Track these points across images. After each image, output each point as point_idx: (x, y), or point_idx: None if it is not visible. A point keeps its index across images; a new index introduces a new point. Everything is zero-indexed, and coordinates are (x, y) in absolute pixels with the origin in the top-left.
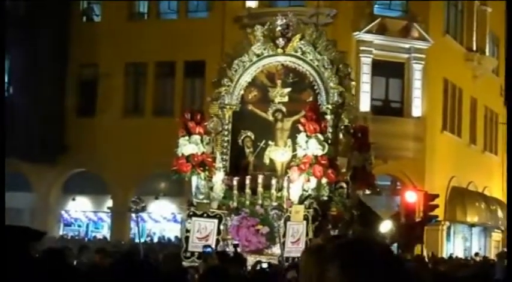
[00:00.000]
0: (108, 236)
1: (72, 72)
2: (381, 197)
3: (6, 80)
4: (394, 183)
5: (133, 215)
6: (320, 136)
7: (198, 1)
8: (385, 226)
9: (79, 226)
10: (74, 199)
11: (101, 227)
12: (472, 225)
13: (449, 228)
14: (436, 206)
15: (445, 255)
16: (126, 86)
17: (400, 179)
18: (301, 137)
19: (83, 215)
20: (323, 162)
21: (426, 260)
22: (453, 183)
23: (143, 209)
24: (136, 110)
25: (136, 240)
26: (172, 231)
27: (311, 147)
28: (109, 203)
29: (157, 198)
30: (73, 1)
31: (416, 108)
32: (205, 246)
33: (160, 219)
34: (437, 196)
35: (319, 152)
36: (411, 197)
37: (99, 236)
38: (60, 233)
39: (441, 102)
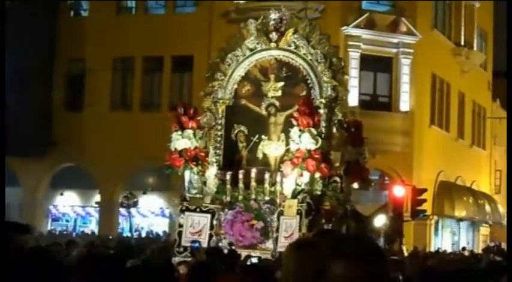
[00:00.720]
0: (96, 230)
1: (60, 67)
2: (369, 191)
3: None
4: (382, 178)
5: (124, 209)
6: (313, 130)
7: None
8: (379, 220)
9: (67, 221)
10: (61, 194)
11: (88, 221)
12: (460, 220)
13: (437, 222)
14: (424, 201)
15: (433, 249)
16: (113, 81)
17: (388, 173)
18: (294, 131)
19: (71, 209)
20: (316, 156)
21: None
22: (441, 177)
23: (135, 204)
24: (124, 104)
25: (127, 235)
26: (160, 226)
27: (304, 141)
28: (97, 197)
29: (145, 193)
30: None
31: (405, 103)
32: (193, 242)
33: (148, 214)
34: (425, 190)
35: (312, 146)
36: (399, 191)
37: (87, 230)
38: (48, 228)
39: (429, 97)
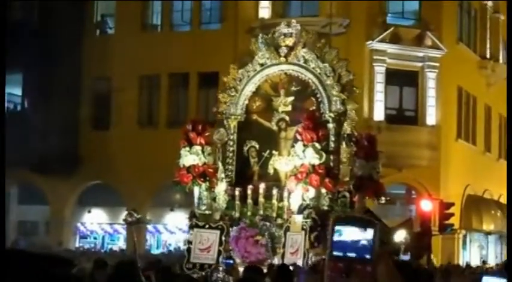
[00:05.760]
0: (124, 247)
1: (87, 84)
2: (395, 205)
3: (20, 93)
4: (409, 192)
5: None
6: (317, 145)
7: (211, 12)
8: (400, 235)
9: (95, 238)
10: (89, 211)
11: (116, 239)
12: (488, 233)
13: (465, 236)
14: (452, 215)
15: (461, 263)
16: (140, 98)
17: (415, 187)
18: (298, 146)
19: (99, 227)
20: (320, 171)
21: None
22: (468, 191)
23: (138, 221)
24: (150, 121)
25: (137, 252)
26: None
27: (308, 156)
28: (124, 214)
29: (172, 209)
30: (86, 14)
31: (431, 117)
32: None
33: (175, 231)
34: (452, 204)
35: (316, 161)
36: (426, 205)
37: (115, 248)
38: (76, 245)
39: (455, 110)
